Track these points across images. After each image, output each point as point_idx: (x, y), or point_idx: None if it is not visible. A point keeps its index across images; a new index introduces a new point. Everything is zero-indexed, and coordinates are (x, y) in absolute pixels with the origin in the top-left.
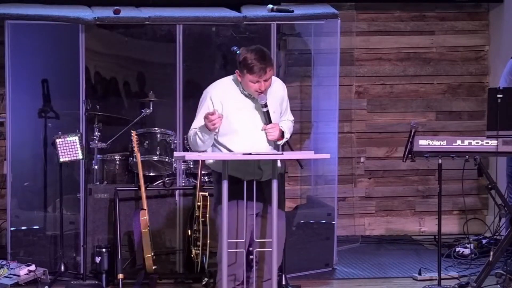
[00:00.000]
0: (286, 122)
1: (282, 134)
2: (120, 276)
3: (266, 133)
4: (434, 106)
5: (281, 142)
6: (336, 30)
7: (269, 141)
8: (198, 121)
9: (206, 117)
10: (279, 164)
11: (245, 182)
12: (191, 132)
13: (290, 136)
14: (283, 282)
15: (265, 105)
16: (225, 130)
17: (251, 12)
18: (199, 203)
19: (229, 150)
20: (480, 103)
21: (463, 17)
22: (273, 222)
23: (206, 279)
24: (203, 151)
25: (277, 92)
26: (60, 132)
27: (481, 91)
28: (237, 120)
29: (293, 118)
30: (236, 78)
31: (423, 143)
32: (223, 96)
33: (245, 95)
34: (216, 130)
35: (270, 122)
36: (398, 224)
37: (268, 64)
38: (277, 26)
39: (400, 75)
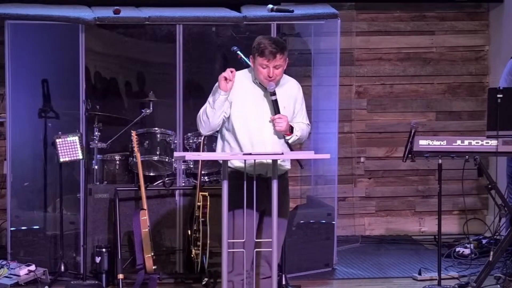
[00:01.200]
0: (300, 124)
1: (291, 129)
2: (120, 276)
3: (273, 123)
4: (434, 106)
5: (290, 138)
6: (336, 30)
7: (277, 133)
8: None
9: (222, 76)
10: (287, 166)
11: (245, 182)
12: (201, 109)
13: (303, 140)
14: (283, 282)
15: (274, 93)
16: (234, 117)
17: (251, 12)
18: (199, 203)
19: (236, 140)
20: (480, 103)
21: (463, 17)
22: (273, 222)
23: (206, 279)
24: (211, 132)
25: (291, 90)
26: (60, 132)
27: (481, 91)
28: (246, 108)
29: (308, 123)
30: (251, 69)
31: (423, 143)
32: (236, 83)
33: (257, 84)
34: (227, 90)
35: (279, 112)
36: (398, 224)
37: (280, 50)
38: (277, 26)
39: (400, 75)
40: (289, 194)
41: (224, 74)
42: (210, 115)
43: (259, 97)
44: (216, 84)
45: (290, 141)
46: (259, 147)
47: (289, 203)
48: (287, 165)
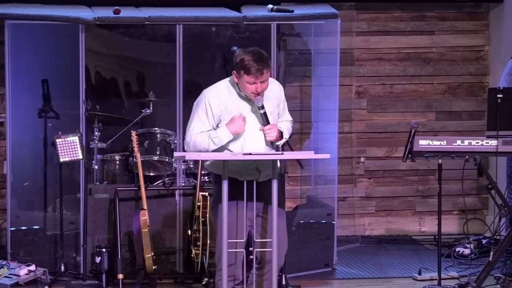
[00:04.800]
0: (284, 123)
1: (281, 134)
2: (120, 276)
3: (264, 134)
4: (434, 106)
5: (280, 143)
6: (336, 30)
7: (267, 143)
8: (198, 125)
9: (236, 120)
10: (278, 164)
11: (245, 182)
12: (197, 138)
13: (290, 137)
14: (283, 282)
15: (262, 107)
16: None
17: (251, 12)
18: (199, 203)
19: (231, 152)
20: (480, 103)
21: (463, 17)
22: (273, 221)
23: (206, 279)
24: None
25: (274, 93)
26: (60, 132)
27: (481, 91)
28: None
29: (291, 119)
30: (233, 80)
31: (423, 143)
32: (220, 99)
33: (242, 97)
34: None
35: (268, 123)
36: (398, 224)
37: (265, 65)
38: (277, 26)
39: (400, 75)
40: (283, 191)
41: (244, 120)
42: (211, 149)
43: (247, 111)
44: (200, 111)
45: (280, 145)
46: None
47: (285, 197)
48: (278, 165)
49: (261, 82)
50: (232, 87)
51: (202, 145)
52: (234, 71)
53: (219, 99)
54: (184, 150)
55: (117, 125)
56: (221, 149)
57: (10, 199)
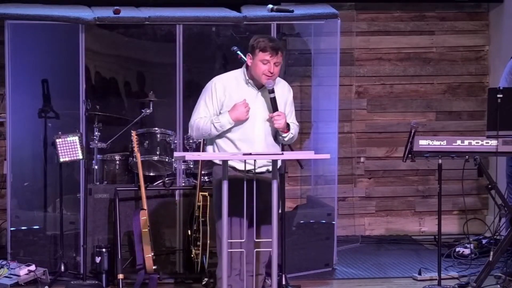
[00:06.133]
0: (291, 125)
1: (288, 127)
2: (120, 276)
3: (272, 120)
4: (434, 106)
5: (286, 136)
6: (336, 30)
7: (267, 131)
8: (203, 109)
9: (239, 107)
10: (279, 164)
11: (245, 184)
12: (200, 121)
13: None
14: (283, 282)
15: (272, 91)
16: None
17: (251, 12)
18: (199, 203)
19: (231, 140)
20: (480, 103)
21: (463, 17)
22: (273, 222)
23: (206, 279)
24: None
25: (283, 91)
26: (60, 132)
27: (481, 91)
28: None
29: (297, 124)
30: (243, 69)
31: (423, 143)
32: (227, 85)
33: (250, 85)
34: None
35: (277, 109)
36: (398, 224)
37: (280, 48)
38: (277, 26)
39: (400, 75)
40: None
41: (246, 107)
42: (213, 133)
43: (253, 97)
44: (206, 96)
45: (286, 139)
46: (248, 144)
47: (285, 199)
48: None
49: (274, 64)
50: (241, 75)
51: (204, 129)
52: (249, 54)
53: (225, 85)
54: (184, 150)
55: (117, 125)
56: (221, 136)
57: (10, 199)
